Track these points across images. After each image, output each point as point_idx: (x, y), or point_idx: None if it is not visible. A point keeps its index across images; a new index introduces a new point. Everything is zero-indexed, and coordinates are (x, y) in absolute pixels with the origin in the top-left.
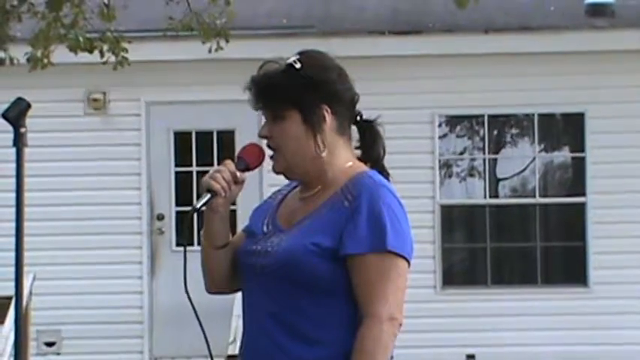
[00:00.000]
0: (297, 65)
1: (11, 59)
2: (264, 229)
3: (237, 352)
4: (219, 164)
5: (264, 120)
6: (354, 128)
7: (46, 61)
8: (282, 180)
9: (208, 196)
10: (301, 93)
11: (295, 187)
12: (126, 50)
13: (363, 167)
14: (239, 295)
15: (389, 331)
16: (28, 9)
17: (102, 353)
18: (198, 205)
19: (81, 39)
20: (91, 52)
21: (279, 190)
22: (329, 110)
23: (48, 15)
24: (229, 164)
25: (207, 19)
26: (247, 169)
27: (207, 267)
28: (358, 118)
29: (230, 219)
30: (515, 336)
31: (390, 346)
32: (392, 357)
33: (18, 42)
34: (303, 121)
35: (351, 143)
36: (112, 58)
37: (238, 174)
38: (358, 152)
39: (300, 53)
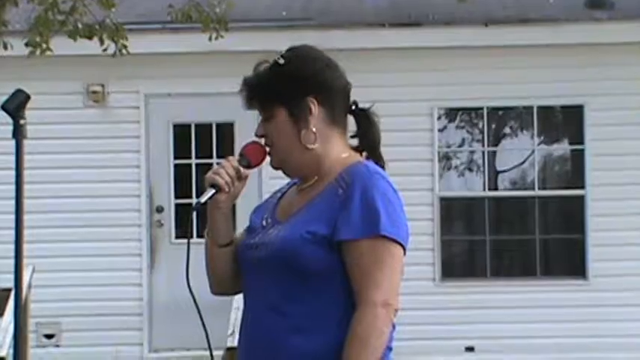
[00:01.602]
0: (281, 61)
1: (5, 44)
2: (263, 223)
3: (235, 344)
4: (218, 157)
5: (259, 119)
6: (350, 119)
7: (44, 46)
8: (282, 175)
9: (212, 191)
10: (284, 88)
11: (295, 184)
12: (125, 37)
13: (358, 157)
14: None
15: (383, 316)
16: None
17: (101, 345)
18: (203, 200)
19: (80, 26)
20: (90, 38)
21: (279, 189)
22: (316, 102)
23: (45, 0)
24: (232, 160)
25: (207, 9)
26: (250, 166)
27: (210, 267)
28: (353, 107)
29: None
30: (514, 328)
31: (384, 332)
32: (391, 349)
33: (17, 34)
34: (289, 116)
35: (346, 133)
36: (112, 47)
37: (242, 169)
38: (355, 141)
39: (288, 49)
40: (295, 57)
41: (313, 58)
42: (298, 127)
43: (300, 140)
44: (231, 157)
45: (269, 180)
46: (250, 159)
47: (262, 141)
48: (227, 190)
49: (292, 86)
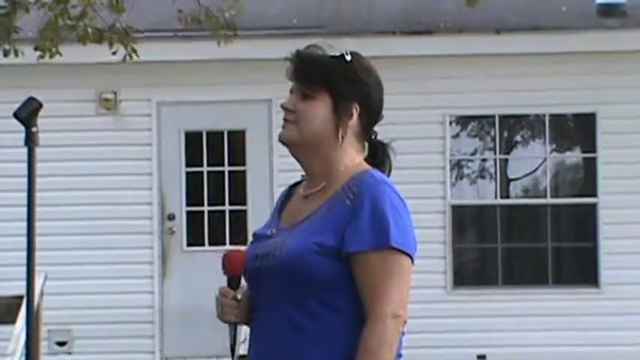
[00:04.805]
0: (348, 57)
1: (16, 51)
2: (268, 232)
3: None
4: (229, 164)
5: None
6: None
7: (54, 50)
8: (293, 168)
9: (231, 327)
10: (342, 82)
11: (297, 184)
12: (135, 41)
13: (365, 166)
14: None
15: (393, 328)
16: (36, 0)
17: (113, 353)
18: (234, 341)
19: (90, 30)
20: (99, 42)
21: (281, 195)
22: (358, 109)
23: (55, 7)
24: (227, 292)
25: (216, 13)
26: (239, 280)
27: None
28: (373, 136)
29: (241, 218)
30: (525, 336)
31: (394, 344)
32: (400, 355)
33: (29, 42)
34: (333, 109)
35: (363, 154)
36: (122, 51)
37: (239, 296)
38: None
39: (352, 52)
40: (360, 61)
41: (372, 73)
42: (335, 123)
43: (331, 135)
44: (223, 290)
45: (278, 188)
46: (238, 275)
47: (288, 115)
48: (239, 319)
49: (348, 84)
